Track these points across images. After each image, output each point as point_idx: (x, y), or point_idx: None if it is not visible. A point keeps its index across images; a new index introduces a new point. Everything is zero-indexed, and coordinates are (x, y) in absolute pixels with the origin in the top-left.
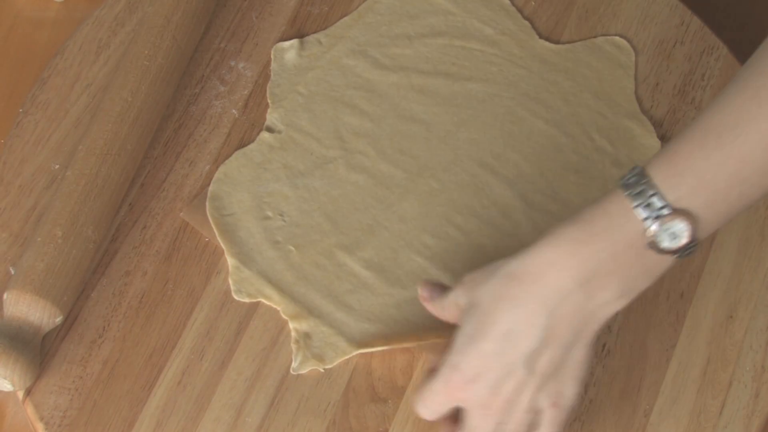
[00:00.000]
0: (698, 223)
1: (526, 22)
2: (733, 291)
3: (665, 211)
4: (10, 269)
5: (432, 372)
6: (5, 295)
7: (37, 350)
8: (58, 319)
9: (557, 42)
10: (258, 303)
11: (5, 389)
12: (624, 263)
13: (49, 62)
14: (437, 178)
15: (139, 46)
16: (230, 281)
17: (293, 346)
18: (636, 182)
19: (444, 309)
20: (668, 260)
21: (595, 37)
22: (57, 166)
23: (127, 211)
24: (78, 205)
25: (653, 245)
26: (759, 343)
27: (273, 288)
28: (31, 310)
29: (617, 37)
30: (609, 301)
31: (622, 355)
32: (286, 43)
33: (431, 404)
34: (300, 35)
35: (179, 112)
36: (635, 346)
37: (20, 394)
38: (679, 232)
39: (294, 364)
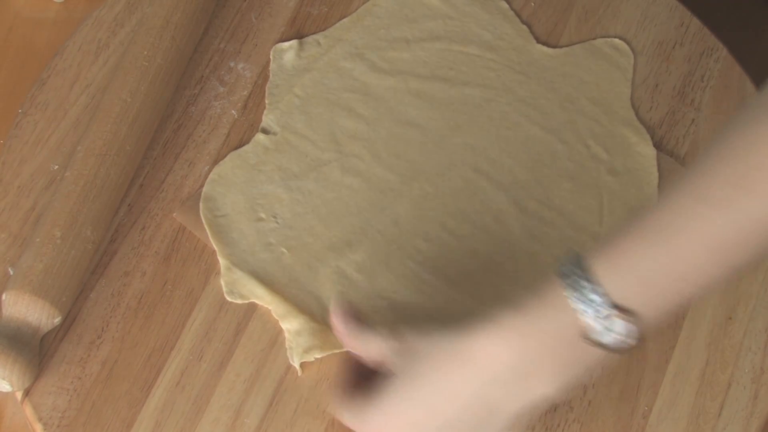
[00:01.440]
0: (637, 320)
1: (525, 27)
2: (732, 292)
3: (605, 309)
4: (9, 270)
5: (353, 390)
6: (4, 296)
7: (35, 351)
8: (57, 320)
9: (556, 43)
10: (256, 304)
11: (4, 390)
12: (560, 355)
13: (49, 63)
14: (431, 183)
15: (138, 46)
16: (222, 282)
17: (287, 346)
18: (576, 276)
19: (367, 348)
20: (604, 353)
21: (594, 39)
22: (56, 167)
23: (126, 211)
24: (77, 205)
25: (591, 341)
26: (758, 344)
27: (264, 288)
28: (30, 310)
29: (616, 39)
30: (540, 392)
31: (621, 356)
32: (286, 44)
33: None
34: (299, 36)
35: (178, 112)
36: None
37: (19, 395)
38: (617, 329)
39: (293, 362)
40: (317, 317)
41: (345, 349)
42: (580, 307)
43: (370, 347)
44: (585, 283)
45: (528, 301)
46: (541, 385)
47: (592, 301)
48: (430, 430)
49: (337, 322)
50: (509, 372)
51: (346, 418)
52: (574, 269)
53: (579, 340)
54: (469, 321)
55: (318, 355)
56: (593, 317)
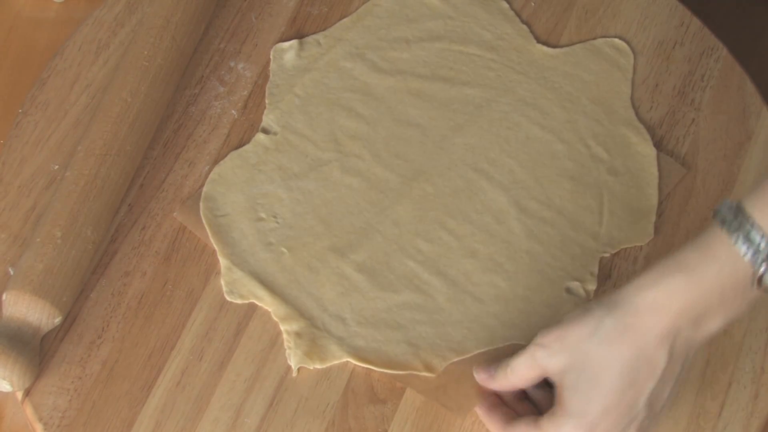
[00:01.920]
0: None
1: (525, 27)
2: None
3: None
4: (9, 270)
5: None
6: (4, 296)
7: (36, 351)
8: (57, 320)
9: (557, 43)
10: (256, 304)
11: (4, 390)
12: (730, 300)
13: (49, 63)
14: (432, 183)
15: (138, 46)
16: (222, 282)
17: (285, 347)
18: (740, 222)
19: (514, 374)
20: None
21: (594, 38)
22: (56, 167)
23: (126, 211)
24: (77, 205)
25: (759, 281)
26: (758, 344)
27: (265, 289)
28: (30, 310)
29: (616, 39)
30: (712, 331)
31: None
32: (286, 44)
33: None
34: (299, 36)
35: (179, 112)
36: None
37: (19, 395)
38: None
39: (290, 363)
40: (317, 322)
41: (344, 359)
42: (748, 250)
43: (520, 369)
44: (750, 228)
45: (693, 256)
46: (713, 327)
47: (758, 243)
48: (638, 405)
49: (479, 374)
50: (687, 323)
51: None
52: (737, 216)
53: (749, 285)
54: (618, 292)
55: (319, 366)
56: (762, 259)
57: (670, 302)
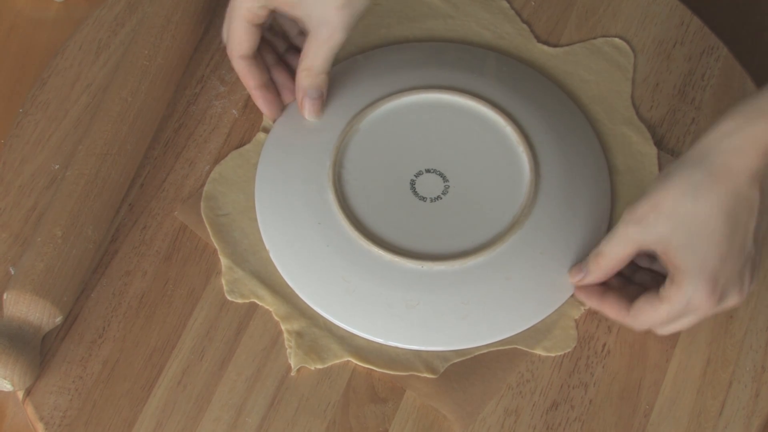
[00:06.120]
0: None
1: (525, 26)
2: None
3: None
4: (10, 269)
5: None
6: (5, 295)
7: (37, 350)
8: (58, 319)
9: (557, 42)
10: (257, 303)
11: (5, 389)
12: None
13: (49, 62)
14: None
15: (139, 46)
16: (223, 281)
17: (286, 346)
18: None
19: (607, 258)
20: None
21: (594, 38)
22: (57, 166)
23: (127, 211)
24: (78, 205)
25: None
26: (759, 343)
27: (266, 288)
28: (31, 310)
29: (617, 39)
30: None
31: (622, 355)
32: None
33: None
34: None
35: (179, 112)
36: (635, 346)
37: (20, 395)
38: None
39: (291, 362)
40: (318, 321)
41: (345, 358)
42: None
43: (613, 251)
44: None
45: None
46: None
47: None
48: (747, 244)
49: (574, 276)
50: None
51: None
52: None
53: None
54: (697, 146)
55: (320, 366)
56: None
57: (754, 146)
